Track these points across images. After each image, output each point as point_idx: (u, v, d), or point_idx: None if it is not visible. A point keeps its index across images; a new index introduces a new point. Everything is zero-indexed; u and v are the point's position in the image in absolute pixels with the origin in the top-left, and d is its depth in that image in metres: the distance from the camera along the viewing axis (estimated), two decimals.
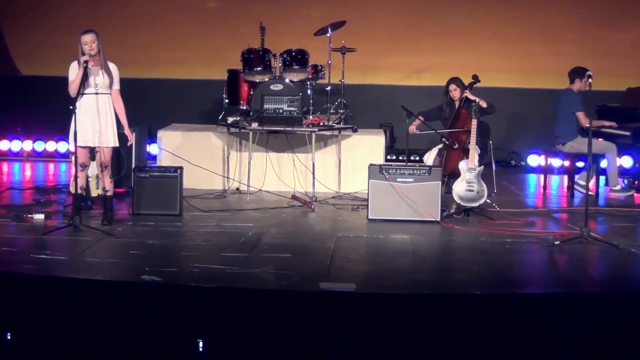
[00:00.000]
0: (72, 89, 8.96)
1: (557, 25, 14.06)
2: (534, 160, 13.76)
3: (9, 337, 6.52)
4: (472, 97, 10.23)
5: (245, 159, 11.21)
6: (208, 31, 14.18)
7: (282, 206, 10.48)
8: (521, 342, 6.44)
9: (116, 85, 9.16)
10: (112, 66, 9.14)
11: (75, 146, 8.81)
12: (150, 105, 13.83)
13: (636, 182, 11.64)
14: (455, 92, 10.51)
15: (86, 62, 8.85)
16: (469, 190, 9.77)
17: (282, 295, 6.96)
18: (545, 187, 11.96)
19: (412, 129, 10.60)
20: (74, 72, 9.00)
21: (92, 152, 9.22)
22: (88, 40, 8.93)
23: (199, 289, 6.96)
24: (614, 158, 11.16)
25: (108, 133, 9.07)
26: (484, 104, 10.19)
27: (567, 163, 11.95)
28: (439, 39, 14.06)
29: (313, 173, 11.00)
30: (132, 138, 9.43)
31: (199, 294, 6.90)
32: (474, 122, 9.84)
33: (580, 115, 11.17)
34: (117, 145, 9.23)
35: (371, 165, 9.82)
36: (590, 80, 9.54)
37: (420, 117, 10.61)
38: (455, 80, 10.57)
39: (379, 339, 6.44)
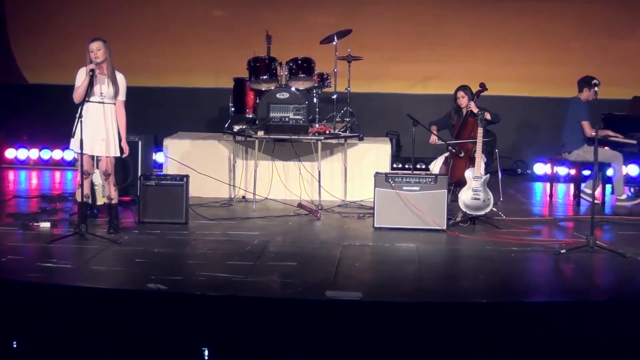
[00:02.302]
0: (77, 96, 8.95)
1: (563, 34, 14.06)
2: (540, 168, 13.74)
3: (15, 345, 6.53)
4: (475, 110, 10.18)
5: (251, 167, 11.21)
6: (214, 39, 14.21)
7: (288, 214, 10.47)
8: (527, 350, 6.43)
9: (121, 97, 9.15)
10: (120, 77, 9.13)
11: (81, 155, 8.82)
12: (157, 113, 13.86)
13: None
14: (462, 100, 10.50)
15: (92, 70, 8.85)
16: (475, 199, 9.76)
17: (288, 303, 6.95)
18: (551, 196, 11.94)
19: (434, 139, 10.53)
20: (80, 79, 9.00)
21: (95, 159, 9.19)
22: (94, 48, 8.93)
23: (205, 297, 6.96)
24: (620, 167, 11.14)
25: (110, 142, 9.05)
26: (488, 116, 10.16)
27: (573, 171, 11.94)
28: (445, 48, 14.07)
29: (319, 181, 11.00)
30: (127, 150, 9.33)
31: (205, 302, 6.89)
32: (480, 130, 9.83)
33: (586, 125, 11.16)
34: (119, 155, 9.20)
35: (377, 173, 9.82)
36: (596, 88, 9.55)
37: (434, 127, 10.59)
38: (463, 87, 10.56)
39: (385, 348, 6.43)
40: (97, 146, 8.99)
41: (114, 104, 9.10)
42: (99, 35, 9.15)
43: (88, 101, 8.92)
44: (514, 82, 13.92)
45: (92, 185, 9.77)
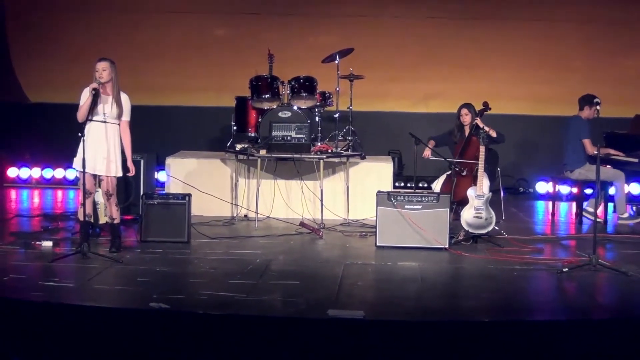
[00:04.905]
0: (80, 114, 8.97)
1: (564, 53, 14.10)
2: (542, 187, 13.75)
3: None
4: (482, 125, 10.21)
5: (254, 186, 11.22)
6: (216, 59, 14.24)
7: (290, 233, 10.47)
8: None
9: (126, 117, 9.15)
10: (125, 98, 9.13)
11: (83, 174, 8.81)
12: (159, 132, 13.89)
13: None
14: (466, 117, 10.51)
15: (95, 89, 8.87)
16: (477, 217, 9.76)
17: (290, 322, 6.94)
18: (553, 214, 11.94)
19: (427, 154, 10.55)
20: (84, 98, 9.01)
21: (97, 179, 9.19)
22: (99, 68, 8.96)
23: (207, 316, 6.95)
24: (622, 185, 11.13)
25: (112, 162, 9.06)
26: (493, 134, 10.17)
27: (575, 190, 11.94)
28: (446, 67, 14.10)
29: (321, 200, 11.00)
30: (133, 170, 9.38)
31: (207, 321, 6.88)
32: (482, 149, 9.83)
33: (587, 143, 11.15)
34: (121, 175, 9.19)
35: (379, 192, 9.82)
36: (598, 107, 9.55)
37: (432, 142, 10.61)
38: (467, 105, 10.57)
39: None
40: (99, 165, 9.00)
41: (118, 124, 9.11)
42: (101, 55, 9.16)
43: (91, 120, 8.94)
44: (516, 101, 13.95)
45: (95, 204, 9.78)
